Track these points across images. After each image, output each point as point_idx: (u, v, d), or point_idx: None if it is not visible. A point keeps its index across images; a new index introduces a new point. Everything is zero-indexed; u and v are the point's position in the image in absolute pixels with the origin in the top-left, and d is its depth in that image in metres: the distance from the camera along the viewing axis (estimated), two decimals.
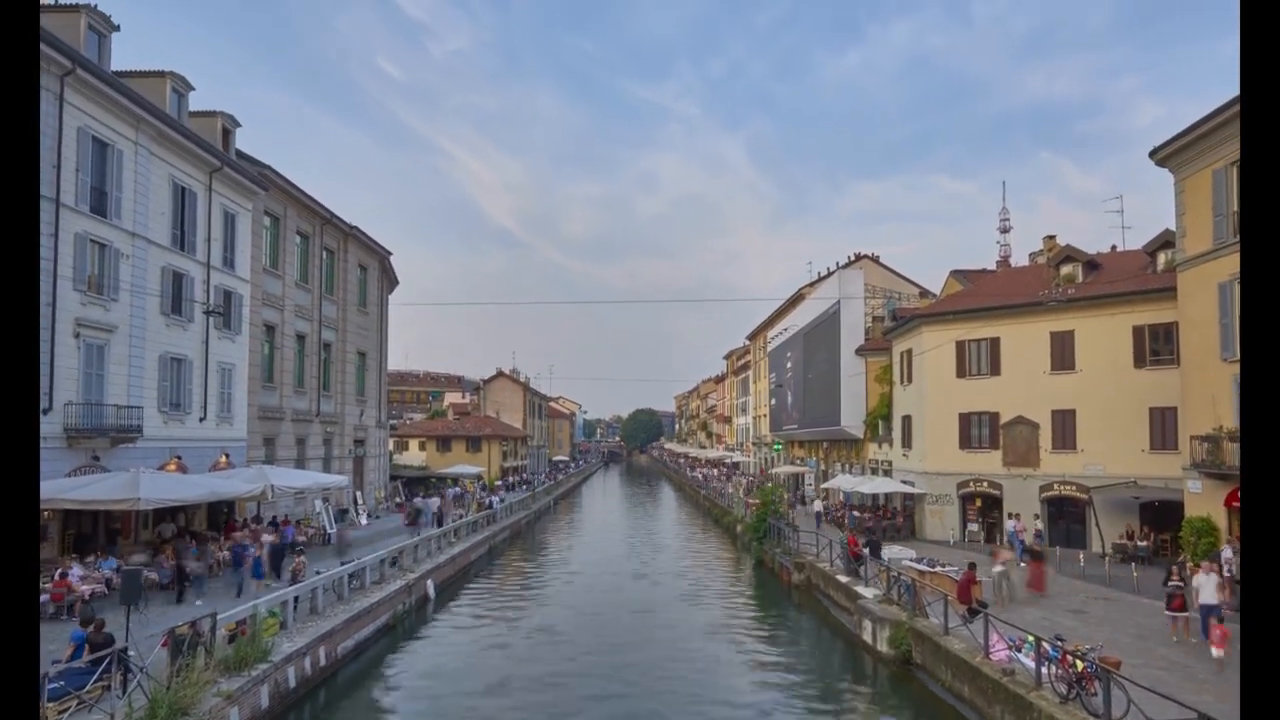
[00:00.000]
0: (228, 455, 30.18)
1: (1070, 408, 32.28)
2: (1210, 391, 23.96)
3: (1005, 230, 46.29)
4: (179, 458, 27.00)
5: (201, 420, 28.81)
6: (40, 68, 20.80)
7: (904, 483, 37.53)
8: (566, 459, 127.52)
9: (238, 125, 32.08)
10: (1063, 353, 32.56)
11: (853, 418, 45.09)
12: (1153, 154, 25.59)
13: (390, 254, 48.07)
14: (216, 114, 31.04)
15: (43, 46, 20.36)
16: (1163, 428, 29.69)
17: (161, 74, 27.62)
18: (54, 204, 21.30)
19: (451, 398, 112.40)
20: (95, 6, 24.00)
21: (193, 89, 29.01)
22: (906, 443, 39.00)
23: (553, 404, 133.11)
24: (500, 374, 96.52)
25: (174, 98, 28.14)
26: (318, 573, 22.31)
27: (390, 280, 50.82)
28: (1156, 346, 30.31)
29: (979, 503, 35.03)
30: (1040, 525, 31.85)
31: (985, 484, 34.44)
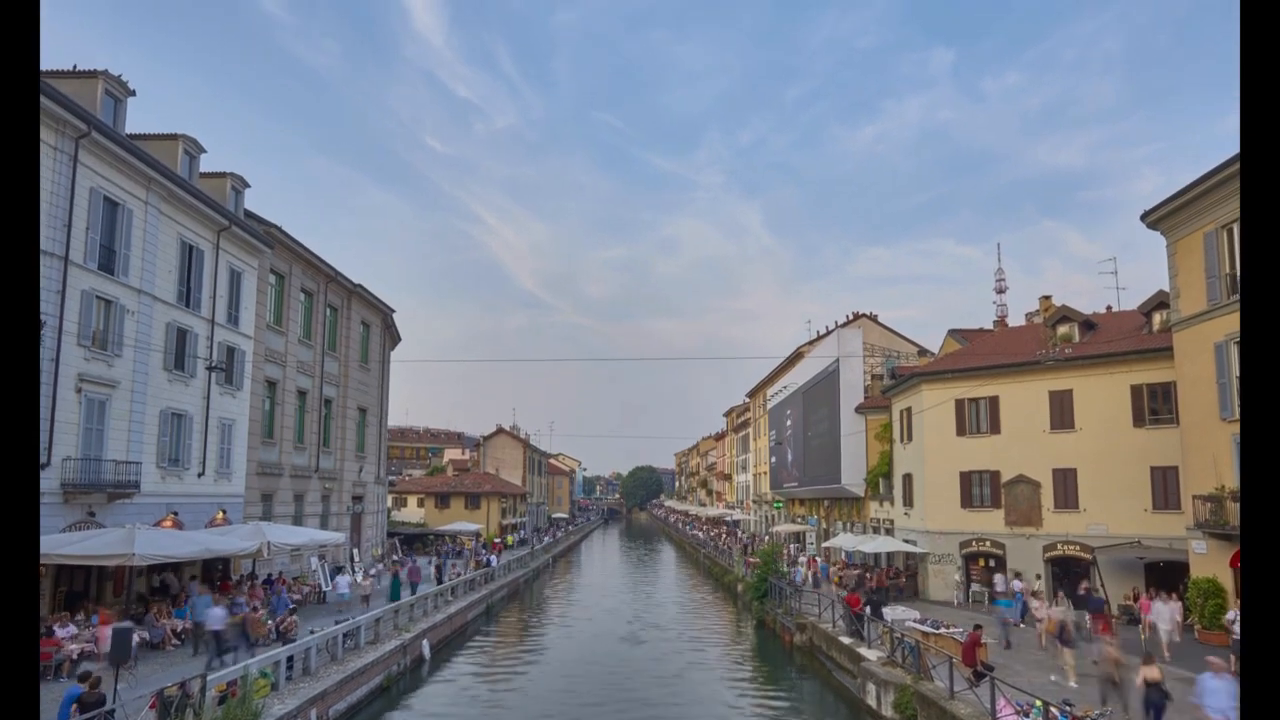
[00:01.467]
0: (225, 511, 29.98)
1: (1071, 466, 32.15)
2: (1211, 451, 23.95)
3: (1001, 290, 46.79)
4: (175, 514, 26.82)
5: (200, 476, 28.72)
6: (55, 130, 21.38)
7: (906, 542, 37.16)
8: (566, 516, 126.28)
9: (246, 185, 32.73)
10: (1062, 412, 32.59)
11: (853, 476, 44.87)
12: (1144, 217, 26.08)
13: (393, 311, 48.48)
14: (226, 175, 31.70)
15: (59, 110, 20.96)
16: (1164, 487, 29.54)
17: (174, 136, 28.32)
18: (62, 261, 21.65)
19: (451, 454, 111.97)
20: (111, 72, 24.74)
21: (204, 151, 29.71)
22: (908, 501, 38.74)
23: (552, 461, 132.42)
24: (500, 430, 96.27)
25: (185, 159, 28.79)
26: (311, 632, 21.98)
27: (393, 337, 51.15)
28: (1155, 406, 30.35)
29: (982, 562, 34.63)
30: (1041, 585, 31.42)
31: (988, 543, 34.10)
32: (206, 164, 30.54)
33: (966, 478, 34.97)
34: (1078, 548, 31.55)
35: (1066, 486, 32.30)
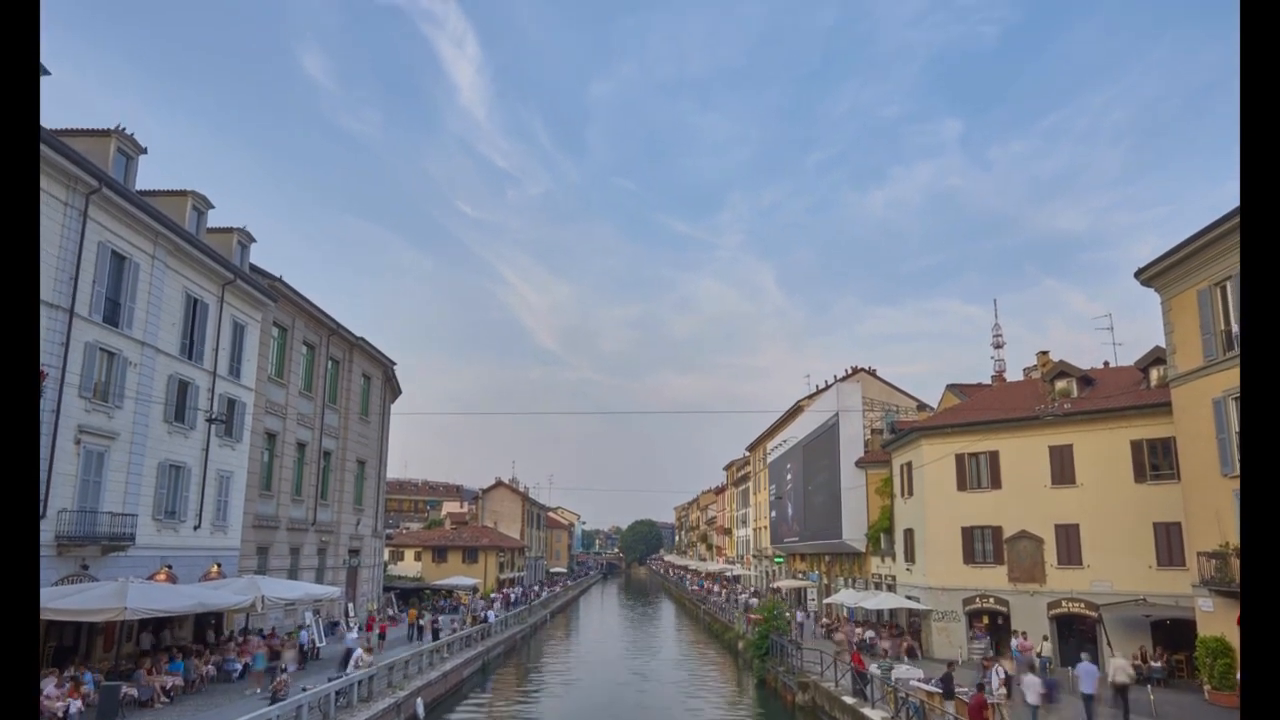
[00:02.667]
0: (219, 565, 29.68)
1: (1073, 522, 31.91)
2: (1214, 507, 23.81)
3: (999, 346, 47.06)
4: (169, 567, 26.57)
5: (196, 529, 28.52)
6: (67, 186, 21.81)
7: (908, 598, 36.66)
8: (564, 570, 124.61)
9: (253, 240, 33.21)
10: (1062, 467, 32.48)
11: (854, 531, 44.46)
12: (1138, 274, 26.38)
13: (394, 364, 48.68)
14: (233, 230, 32.20)
15: (70, 166, 21.42)
16: (1168, 543, 29.27)
17: (184, 193, 28.87)
18: (67, 314, 21.86)
19: (450, 507, 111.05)
20: (125, 130, 25.35)
21: (212, 207, 30.24)
22: (909, 557, 38.33)
23: (551, 514, 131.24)
24: (499, 483, 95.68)
25: (194, 214, 29.28)
26: (304, 689, 21.58)
27: (393, 389, 51.26)
28: (1156, 461, 30.26)
29: (986, 620, 34.12)
30: (1049, 645, 30.92)
31: (991, 600, 33.64)
32: (215, 219, 31.06)
33: (968, 533, 34.67)
34: (1083, 605, 31.12)
35: (1069, 542, 32.01)
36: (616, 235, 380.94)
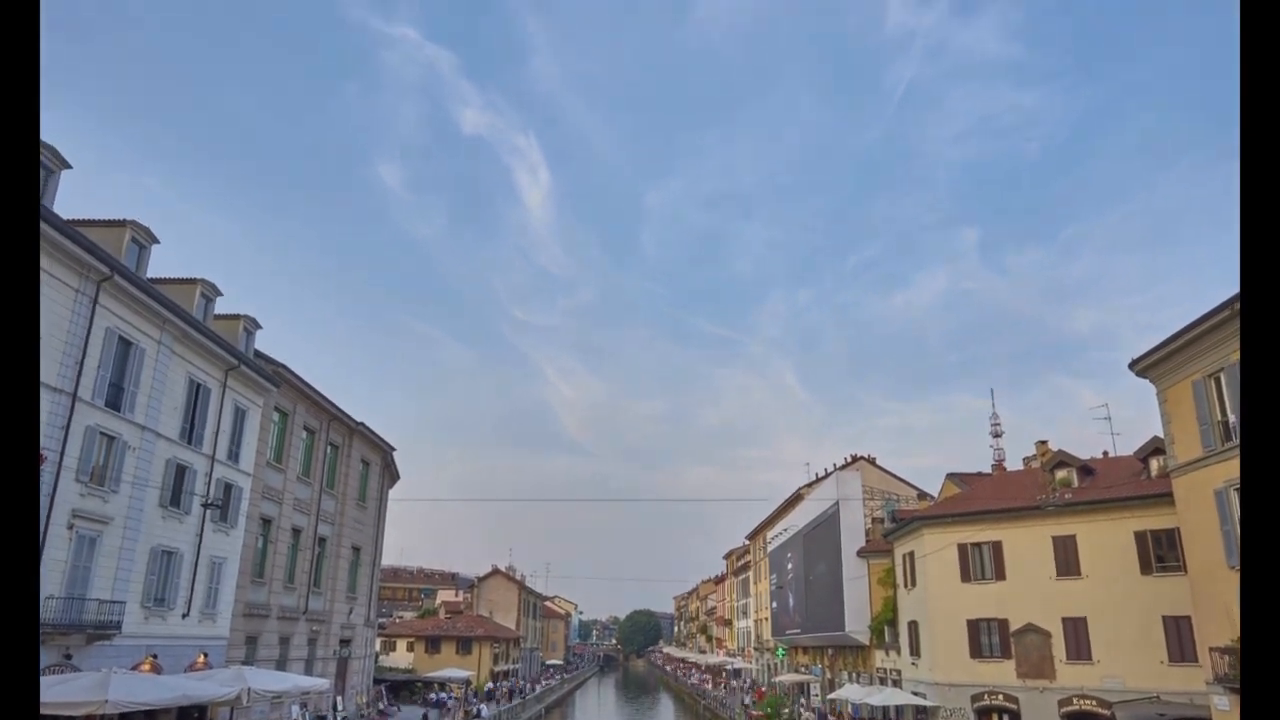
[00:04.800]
0: (206, 655, 28.93)
1: (1081, 615, 31.29)
2: (1223, 600, 23.37)
3: (998, 435, 47.05)
4: (154, 657, 25.90)
5: (184, 617, 27.94)
6: (79, 274, 22.33)
7: (914, 694, 35.57)
8: (560, 662, 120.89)
9: (258, 327, 33.67)
10: (1066, 558, 32.05)
11: (857, 622, 43.48)
12: (1132, 365, 26.63)
13: (394, 450, 48.53)
14: (240, 316, 32.68)
15: (83, 254, 21.96)
16: (1179, 638, 28.64)
17: (193, 280, 29.48)
18: (70, 398, 22.01)
19: (444, 595, 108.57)
20: (139, 222, 26.12)
21: (220, 295, 30.80)
22: (914, 650, 37.38)
23: (548, 603, 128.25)
24: (496, 571, 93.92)
25: (202, 301, 29.80)
26: None
27: (392, 475, 50.96)
28: (1161, 552, 29.89)
29: (996, 718, 33.00)
30: None
31: (1000, 696, 32.64)
32: (223, 306, 31.60)
33: (974, 626, 33.93)
34: (1094, 702, 30.21)
35: (1078, 636, 31.30)
36: (651, 336, 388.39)
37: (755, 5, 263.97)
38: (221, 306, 31.60)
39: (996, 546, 33.92)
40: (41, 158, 21.61)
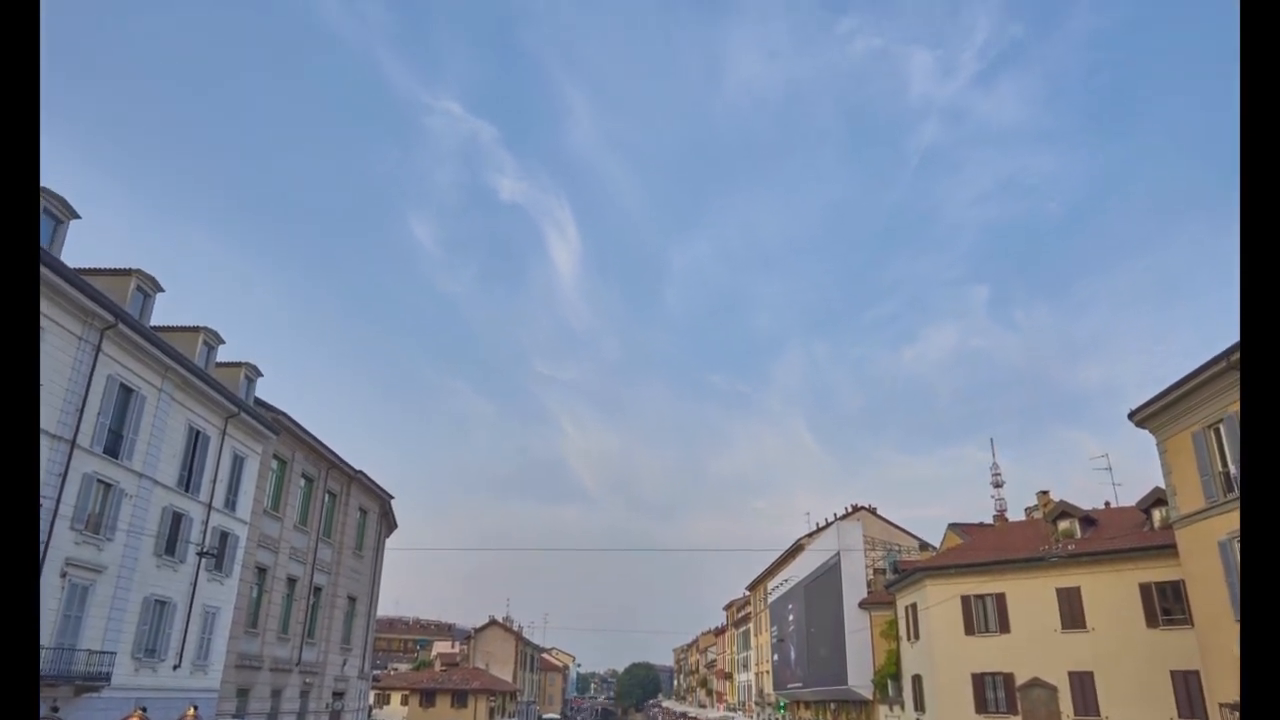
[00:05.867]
0: (196, 708, 28.27)
1: (1088, 669, 30.76)
2: (1231, 654, 22.98)
3: (998, 485, 46.79)
4: (144, 709, 25.32)
5: (175, 668, 27.47)
6: (83, 322, 22.50)
7: None
8: (557, 716, 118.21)
9: (259, 375, 33.76)
10: (1071, 610, 31.63)
11: (860, 676, 42.70)
12: (1131, 416, 26.62)
13: (392, 498, 48.23)
14: (241, 364, 32.79)
15: (88, 302, 22.15)
16: (1188, 693, 28.10)
17: (196, 328, 29.68)
18: (69, 445, 21.98)
19: (440, 646, 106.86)
20: (144, 271, 26.41)
21: (223, 342, 30.97)
22: (919, 705, 36.65)
23: (545, 655, 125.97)
24: (493, 622, 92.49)
25: (204, 349, 29.95)
26: None
27: (389, 524, 50.54)
28: (1167, 605, 29.51)
29: None
30: None
31: None
32: (225, 354, 31.75)
33: (979, 680, 33.33)
34: None
35: (1085, 691, 30.73)
36: (667, 392, 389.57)
37: (786, 74, 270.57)
38: (226, 354, 31.76)
39: (1000, 598, 33.49)
40: (49, 207, 21.97)
